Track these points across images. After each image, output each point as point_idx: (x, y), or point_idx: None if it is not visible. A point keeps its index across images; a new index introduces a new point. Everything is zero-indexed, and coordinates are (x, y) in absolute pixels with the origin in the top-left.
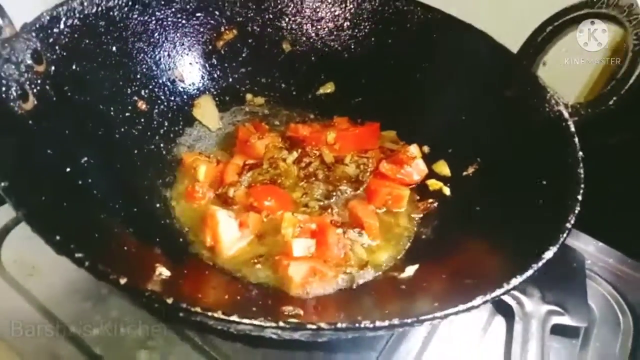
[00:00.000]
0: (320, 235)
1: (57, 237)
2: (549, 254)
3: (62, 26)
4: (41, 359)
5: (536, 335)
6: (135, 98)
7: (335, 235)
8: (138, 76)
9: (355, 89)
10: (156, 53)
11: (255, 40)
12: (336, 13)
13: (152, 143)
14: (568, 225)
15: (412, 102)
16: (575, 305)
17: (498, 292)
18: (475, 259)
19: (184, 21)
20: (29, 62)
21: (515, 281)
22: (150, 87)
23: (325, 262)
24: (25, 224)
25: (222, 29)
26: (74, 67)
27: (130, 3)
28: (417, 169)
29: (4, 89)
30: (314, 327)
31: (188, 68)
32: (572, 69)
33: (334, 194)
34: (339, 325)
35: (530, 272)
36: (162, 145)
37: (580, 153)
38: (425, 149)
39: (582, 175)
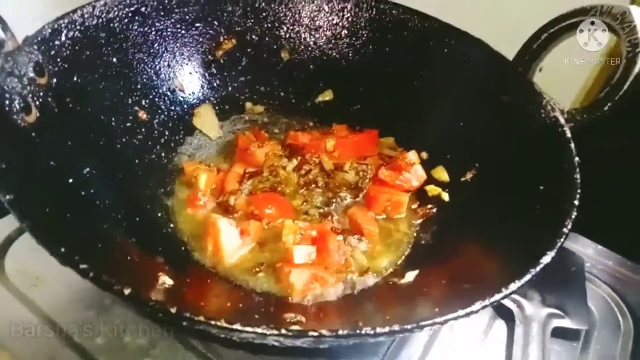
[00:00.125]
0: (320, 242)
1: (62, 249)
2: (546, 259)
3: (63, 38)
4: None
5: (537, 338)
6: (136, 108)
7: (335, 242)
8: (138, 86)
9: (353, 96)
10: (156, 63)
11: (254, 49)
12: (334, 22)
13: (153, 152)
14: (565, 230)
15: (410, 108)
16: (575, 308)
17: (497, 297)
18: (473, 263)
19: (183, 31)
20: (32, 74)
21: (513, 286)
22: (151, 97)
23: (326, 268)
24: (30, 236)
25: (221, 38)
26: (75, 78)
27: (130, 14)
28: (415, 175)
29: (7, 102)
30: (315, 334)
31: (188, 78)
32: (568, 75)
33: (334, 200)
34: (340, 332)
35: (528, 277)
36: (163, 154)
37: (577, 158)
38: (424, 155)
39: (579, 181)
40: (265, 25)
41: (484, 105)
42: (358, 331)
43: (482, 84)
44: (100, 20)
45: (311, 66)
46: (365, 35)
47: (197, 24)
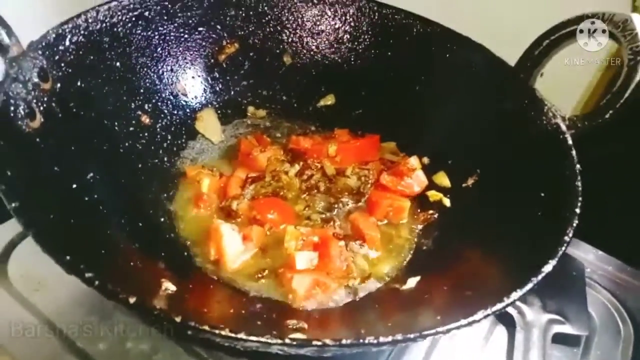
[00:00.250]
0: (322, 248)
1: (67, 257)
2: (548, 268)
3: (67, 43)
4: None
5: (537, 344)
6: (139, 112)
7: (337, 248)
8: (141, 91)
9: (355, 101)
10: (159, 67)
11: (257, 53)
12: (336, 26)
13: (156, 157)
14: (566, 238)
15: (412, 113)
16: (575, 313)
17: (499, 306)
18: (475, 270)
19: (186, 36)
20: (36, 80)
21: (515, 295)
22: (154, 101)
23: (328, 274)
24: (35, 243)
25: (224, 42)
26: (79, 83)
27: (133, 19)
28: (417, 181)
29: (12, 108)
30: (319, 343)
31: (190, 82)
32: (569, 81)
33: (336, 206)
34: (343, 341)
35: (530, 286)
36: (165, 158)
37: (578, 166)
38: (425, 160)
39: (580, 188)
40: (268, 30)
41: (485, 111)
42: (361, 340)
43: (484, 90)
44: (104, 24)
45: (313, 70)
46: (367, 40)
47: (200, 28)
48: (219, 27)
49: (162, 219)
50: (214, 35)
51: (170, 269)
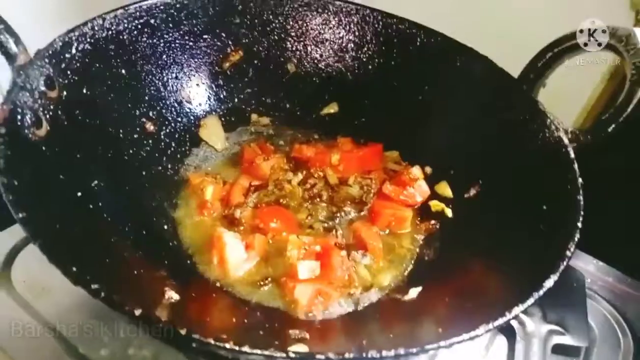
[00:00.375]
0: (324, 258)
1: (74, 269)
2: (549, 282)
3: (73, 51)
4: None
5: (537, 354)
6: (144, 120)
7: (339, 257)
8: (146, 98)
9: (358, 109)
10: (164, 75)
11: (261, 61)
12: (340, 35)
13: (159, 164)
14: (568, 253)
15: (415, 123)
16: (575, 324)
17: (501, 320)
18: (476, 282)
19: (191, 43)
20: (43, 88)
21: (517, 309)
22: (158, 108)
23: (330, 283)
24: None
25: (229, 50)
26: (84, 91)
27: (139, 26)
28: (419, 191)
29: (19, 117)
30: (322, 357)
31: (195, 89)
32: (571, 92)
33: (338, 215)
34: (346, 355)
35: (531, 301)
36: (169, 166)
37: (580, 180)
38: (428, 169)
39: (582, 202)
40: (272, 38)
41: (488, 122)
42: (364, 354)
43: (487, 101)
44: (110, 32)
45: (317, 79)
46: (371, 49)
47: (205, 36)
48: (223, 35)
49: (166, 227)
50: (218, 43)
51: (173, 277)
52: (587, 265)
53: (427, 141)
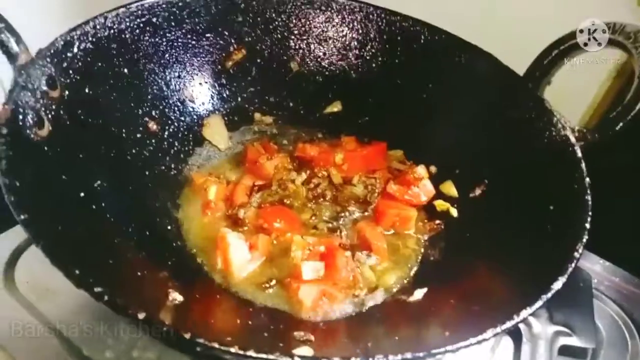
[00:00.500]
0: (329, 258)
1: (77, 271)
2: (557, 285)
3: (75, 50)
4: None
5: (544, 356)
6: (146, 119)
7: (343, 258)
8: (149, 97)
9: (362, 108)
10: (167, 74)
11: (264, 60)
12: (343, 33)
13: (162, 164)
14: (576, 254)
15: (419, 121)
16: (582, 326)
17: (508, 324)
18: (482, 284)
19: (194, 42)
20: (44, 88)
21: (525, 313)
22: (161, 107)
23: (334, 284)
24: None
25: (231, 49)
26: (86, 90)
27: (141, 25)
28: (424, 190)
29: (21, 117)
30: None
31: (198, 88)
32: (577, 89)
33: (342, 215)
34: (352, 359)
35: (539, 304)
36: (172, 165)
37: (588, 179)
38: (433, 169)
39: (590, 202)
40: (275, 36)
41: (493, 121)
42: (370, 358)
43: (492, 99)
44: (112, 31)
45: (320, 77)
46: (374, 47)
47: (208, 34)
48: (226, 33)
49: (169, 227)
50: (221, 42)
51: (177, 278)
52: (594, 266)
53: (431, 140)
